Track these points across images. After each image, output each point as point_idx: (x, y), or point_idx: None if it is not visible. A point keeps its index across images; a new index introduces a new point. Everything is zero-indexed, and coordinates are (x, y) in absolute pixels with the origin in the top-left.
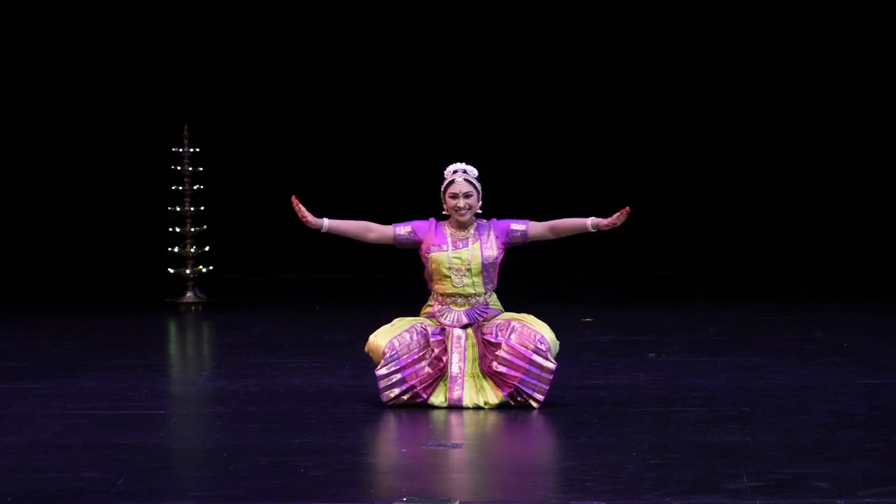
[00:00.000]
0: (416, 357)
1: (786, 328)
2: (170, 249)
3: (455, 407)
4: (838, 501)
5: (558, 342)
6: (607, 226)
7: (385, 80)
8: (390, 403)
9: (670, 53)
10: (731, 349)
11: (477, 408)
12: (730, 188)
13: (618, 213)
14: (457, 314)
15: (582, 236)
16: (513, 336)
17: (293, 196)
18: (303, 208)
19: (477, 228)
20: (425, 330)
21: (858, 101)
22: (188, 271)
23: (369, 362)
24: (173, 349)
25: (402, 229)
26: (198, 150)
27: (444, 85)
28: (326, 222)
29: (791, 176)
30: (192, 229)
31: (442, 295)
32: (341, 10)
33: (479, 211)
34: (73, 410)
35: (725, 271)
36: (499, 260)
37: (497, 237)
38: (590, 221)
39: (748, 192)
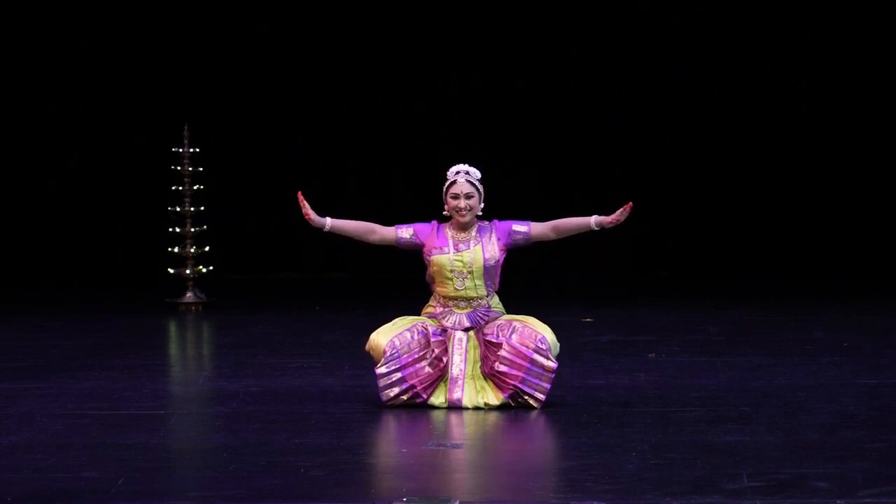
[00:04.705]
0: (416, 356)
1: (786, 328)
2: (170, 250)
3: (455, 407)
4: (838, 501)
5: (559, 344)
6: (611, 223)
7: (385, 79)
8: (390, 403)
9: (671, 53)
10: (731, 349)
11: (477, 409)
12: (730, 188)
13: (620, 210)
14: (458, 317)
15: (583, 236)
16: (514, 336)
17: (299, 192)
18: (307, 205)
19: (478, 230)
20: (426, 330)
21: (860, 100)
22: (188, 271)
23: (369, 362)
24: (173, 349)
25: (405, 232)
26: (198, 150)
27: (445, 85)
28: (329, 222)
29: (791, 176)
30: (192, 229)
31: (444, 297)
32: (342, 9)
33: (480, 213)
34: (73, 410)
35: (725, 271)
36: (500, 262)
37: (499, 238)
38: (593, 220)
39: (748, 192)
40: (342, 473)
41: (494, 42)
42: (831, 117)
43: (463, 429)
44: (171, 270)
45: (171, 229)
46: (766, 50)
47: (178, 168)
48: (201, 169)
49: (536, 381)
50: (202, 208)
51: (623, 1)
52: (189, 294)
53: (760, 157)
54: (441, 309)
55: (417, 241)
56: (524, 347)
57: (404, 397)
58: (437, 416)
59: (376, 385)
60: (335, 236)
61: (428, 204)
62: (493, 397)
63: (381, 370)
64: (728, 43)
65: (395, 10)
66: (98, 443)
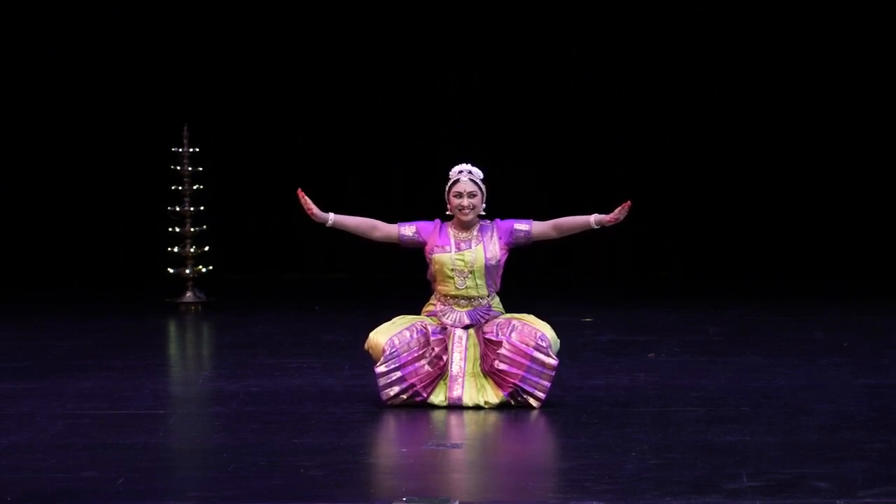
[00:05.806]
0: (416, 355)
1: (786, 328)
2: (169, 249)
3: (455, 406)
4: (838, 502)
5: (559, 341)
6: (609, 222)
7: (385, 79)
8: (389, 402)
9: (671, 53)
10: (731, 349)
11: (477, 407)
12: (730, 188)
13: (619, 209)
14: (459, 315)
15: (583, 235)
16: (514, 334)
17: (299, 189)
18: (309, 201)
19: (480, 229)
20: (425, 328)
21: (860, 100)
22: (188, 271)
23: (369, 362)
24: (173, 349)
25: (407, 230)
26: (197, 150)
27: (445, 85)
28: (332, 217)
29: (791, 176)
30: (192, 229)
31: (445, 296)
32: (342, 9)
33: (483, 213)
34: (73, 411)
35: (725, 271)
36: (502, 261)
37: (500, 237)
38: (593, 218)
39: (748, 192)
40: (342, 473)
41: (494, 42)
42: (831, 117)
43: (463, 429)
44: (171, 270)
45: (170, 229)
46: (766, 50)
47: (178, 168)
48: (201, 169)
49: (536, 378)
50: (202, 208)
51: (623, 1)
52: (189, 294)
53: (760, 157)
54: (441, 307)
55: (420, 238)
56: (524, 345)
57: (404, 396)
58: (437, 416)
59: (376, 384)
60: (336, 234)
61: (428, 204)
62: (493, 395)
63: (380, 369)
64: (728, 43)
65: (396, 10)
66: (98, 443)
